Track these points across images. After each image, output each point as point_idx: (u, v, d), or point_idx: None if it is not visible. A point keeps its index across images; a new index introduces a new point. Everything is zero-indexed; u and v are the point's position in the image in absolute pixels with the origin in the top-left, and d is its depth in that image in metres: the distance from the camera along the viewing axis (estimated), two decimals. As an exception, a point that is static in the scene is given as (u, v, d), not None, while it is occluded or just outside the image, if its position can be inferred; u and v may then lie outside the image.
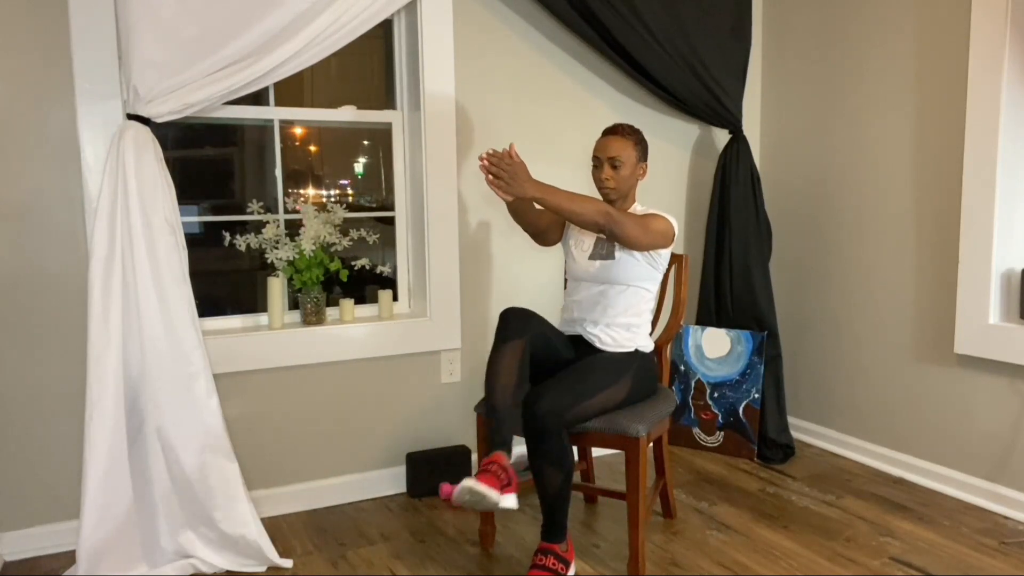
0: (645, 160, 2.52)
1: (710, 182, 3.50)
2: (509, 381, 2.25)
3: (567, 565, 2.23)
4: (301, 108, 2.91)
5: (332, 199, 3.08)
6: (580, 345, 2.49)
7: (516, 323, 2.31)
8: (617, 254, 2.44)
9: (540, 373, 2.37)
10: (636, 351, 2.46)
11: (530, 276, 3.18)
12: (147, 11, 2.22)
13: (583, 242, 2.54)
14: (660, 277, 2.50)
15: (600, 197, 2.47)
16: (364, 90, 3.14)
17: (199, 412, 2.32)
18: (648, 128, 3.36)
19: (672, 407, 2.51)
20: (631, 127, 2.50)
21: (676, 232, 2.44)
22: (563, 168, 3.18)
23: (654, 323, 2.76)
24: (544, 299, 3.16)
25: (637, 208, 2.55)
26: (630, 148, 2.45)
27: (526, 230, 2.61)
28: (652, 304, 2.53)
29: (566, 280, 2.70)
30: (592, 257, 2.48)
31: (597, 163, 2.48)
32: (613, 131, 2.48)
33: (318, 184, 3.07)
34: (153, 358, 2.28)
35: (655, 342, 2.66)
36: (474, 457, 3.03)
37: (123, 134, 2.24)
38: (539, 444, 2.15)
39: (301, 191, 3.04)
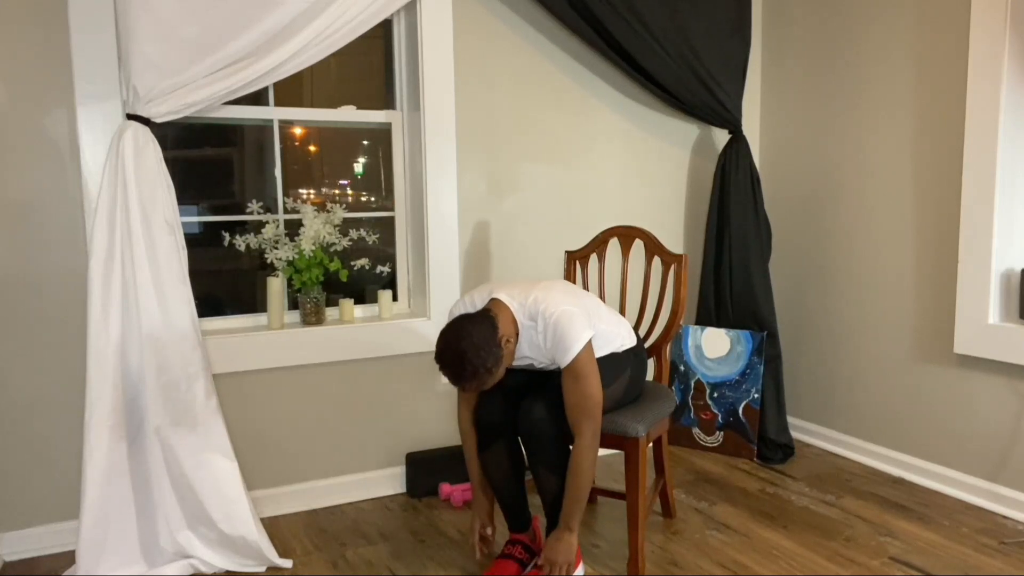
0: (498, 340, 2.03)
1: (710, 182, 3.50)
2: (507, 479, 2.30)
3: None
4: (301, 108, 2.91)
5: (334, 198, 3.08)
6: None
7: (490, 425, 2.25)
8: (541, 366, 2.25)
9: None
10: (626, 349, 2.36)
11: (529, 276, 3.17)
12: (147, 11, 2.22)
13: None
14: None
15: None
16: (364, 90, 3.14)
17: (199, 412, 2.32)
18: (648, 128, 3.36)
19: (672, 407, 2.51)
20: (468, 368, 1.99)
21: (586, 338, 2.09)
22: (561, 168, 3.18)
23: (651, 320, 2.76)
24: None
25: (523, 322, 2.14)
26: (484, 377, 2.03)
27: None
28: (605, 323, 2.29)
29: None
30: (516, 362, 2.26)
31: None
32: (461, 389, 2.09)
33: (318, 184, 3.07)
34: (153, 358, 2.28)
35: (654, 342, 2.66)
36: (474, 457, 3.03)
37: (123, 134, 2.24)
38: (536, 450, 2.15)
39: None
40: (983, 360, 2.76)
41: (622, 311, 2.74)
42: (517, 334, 2.15)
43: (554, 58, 3.13)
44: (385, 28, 2.98)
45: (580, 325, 2.10)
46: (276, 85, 2.77)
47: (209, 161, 2.91)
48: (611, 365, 2.29)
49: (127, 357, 2.28)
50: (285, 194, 2.89)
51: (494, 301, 2.16)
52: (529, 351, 2.19)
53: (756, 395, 3.26)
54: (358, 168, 3.14)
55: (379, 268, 2.96)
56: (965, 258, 2.75)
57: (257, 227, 2.80)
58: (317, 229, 2.74)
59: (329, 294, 2.91)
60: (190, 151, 2.85)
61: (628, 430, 2.25)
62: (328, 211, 2.83)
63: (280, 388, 2.76)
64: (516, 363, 2.25)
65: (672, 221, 3.49)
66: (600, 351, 2.25)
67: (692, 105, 3.26)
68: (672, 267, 2.68)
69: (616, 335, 2.32)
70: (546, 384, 2.24)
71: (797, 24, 3.41)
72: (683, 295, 2.63)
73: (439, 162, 2.92)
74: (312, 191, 3.04)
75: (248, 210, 2.79)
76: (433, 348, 2.95)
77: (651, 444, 2.47)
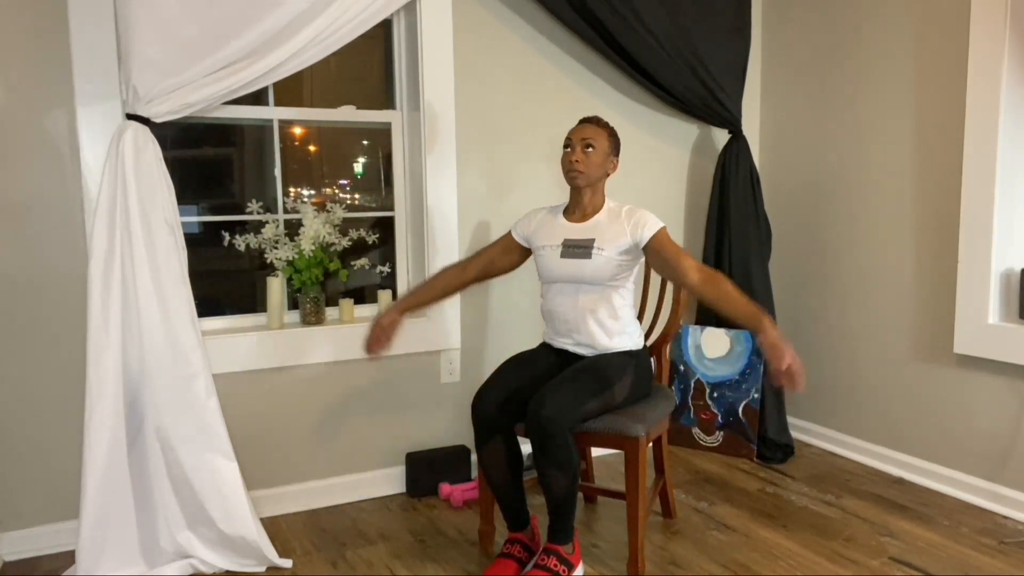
0: (617, 155, 2.45)
1: (709, 182, 3.50)
2: (504, 477, 2.33)
3: (570, 568, 2.23)
4: (301, 108, 2.91)
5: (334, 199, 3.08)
6: (570, 358, 2.45)
7: (487, 419, 2.30)
8: (593, 253, 2.33)
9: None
10: (631, 351, 2.40)
11: (529, 276, 3.17)
12: (147, 11, 2.22)
13: (553, 239, 2.41)
14: (635, 270, 2.42)
15: (569, 186, 2.42)
16: (364, 90, 3.14)
17: (199, 412, 2.32)
18: (648, 128, 3.36)
19: (672, 407, 2.51)
20: (606, 121, 2.45)
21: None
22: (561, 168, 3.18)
23: (651, 320, 2.76)
24: (544, 299, 3.16)
25: (610, 205, 2.42)
26: (603, 137, 2.39)
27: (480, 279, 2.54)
28: (631, 299, 2.42)
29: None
30: (564, 256, 2.37)
31: (569, 146, 2.39)
32: (588, 120, 2.43)
33: (318, 184, 3.07)
34: (152, 358, 2.28)
35: (654, 342, 2.67)
36: (473, 458, 3.03)
37: (122, 134, 2.24)
38: (544, 448, 2.14)
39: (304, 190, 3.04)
40: (983, 360, 2.76)
41: (622, 311, 2.74)
42: (604, 203, 2.44)
43: (554, 58, 3.13)
44: (385, 28, 2.98)
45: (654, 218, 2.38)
46: (276, 85, 2.77)
47: (209, 161, 2.91)
48: (619, 365, 2.33)
49: (127, 357, 2.28)
50: (285, 194, 2.89)
51: None
52: (595, 227, 2.37)
53: (756, 395, 3.26)
54: (358, 168, 3.14)
55: (379, 268, 2.96)
56: (965, 258, 2.75)
57: (257, 227, 2.80)
58: (317, 229, 2.74)
59: (328, 295, 2.91)
60: (190, 151, 2.85)
61: (628, 430, 2.25)
62: (328, 211, 2.83)
63: (280, 388, 2.76)
64: (573, 236, 2.39)
65: (672, 221, 3.49)
66: (618, 346, 2.39)
67: (692, 105, 3.27)
68: (672, 267, 2.67)
69: (635, 331, 2.43)
70: (553, 382, 2.24)
71: (797, 24, 3.41)
72: (683, 295, 2.63)
73: (439, 162, 2.92)
74: (312, 191, 3.04)
75: (248, 210, 2.79)
76: (432, 348, 2.98)
77: (651, 444, 2.47)
